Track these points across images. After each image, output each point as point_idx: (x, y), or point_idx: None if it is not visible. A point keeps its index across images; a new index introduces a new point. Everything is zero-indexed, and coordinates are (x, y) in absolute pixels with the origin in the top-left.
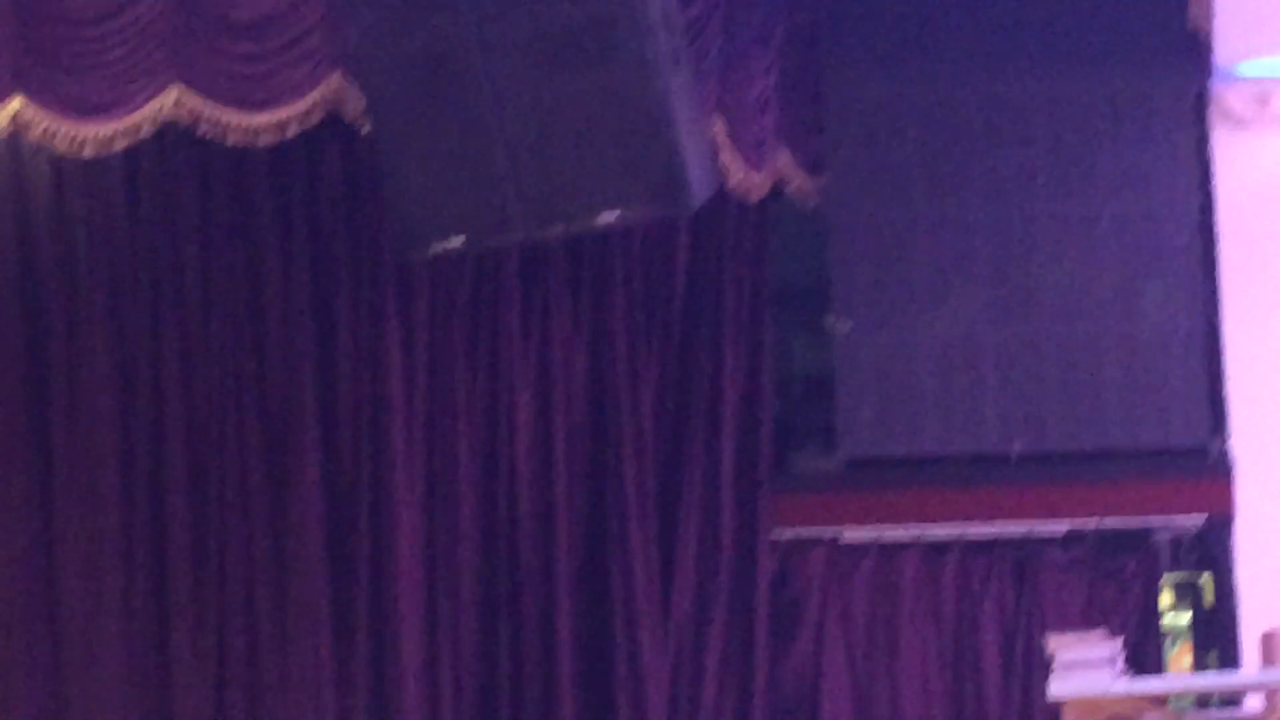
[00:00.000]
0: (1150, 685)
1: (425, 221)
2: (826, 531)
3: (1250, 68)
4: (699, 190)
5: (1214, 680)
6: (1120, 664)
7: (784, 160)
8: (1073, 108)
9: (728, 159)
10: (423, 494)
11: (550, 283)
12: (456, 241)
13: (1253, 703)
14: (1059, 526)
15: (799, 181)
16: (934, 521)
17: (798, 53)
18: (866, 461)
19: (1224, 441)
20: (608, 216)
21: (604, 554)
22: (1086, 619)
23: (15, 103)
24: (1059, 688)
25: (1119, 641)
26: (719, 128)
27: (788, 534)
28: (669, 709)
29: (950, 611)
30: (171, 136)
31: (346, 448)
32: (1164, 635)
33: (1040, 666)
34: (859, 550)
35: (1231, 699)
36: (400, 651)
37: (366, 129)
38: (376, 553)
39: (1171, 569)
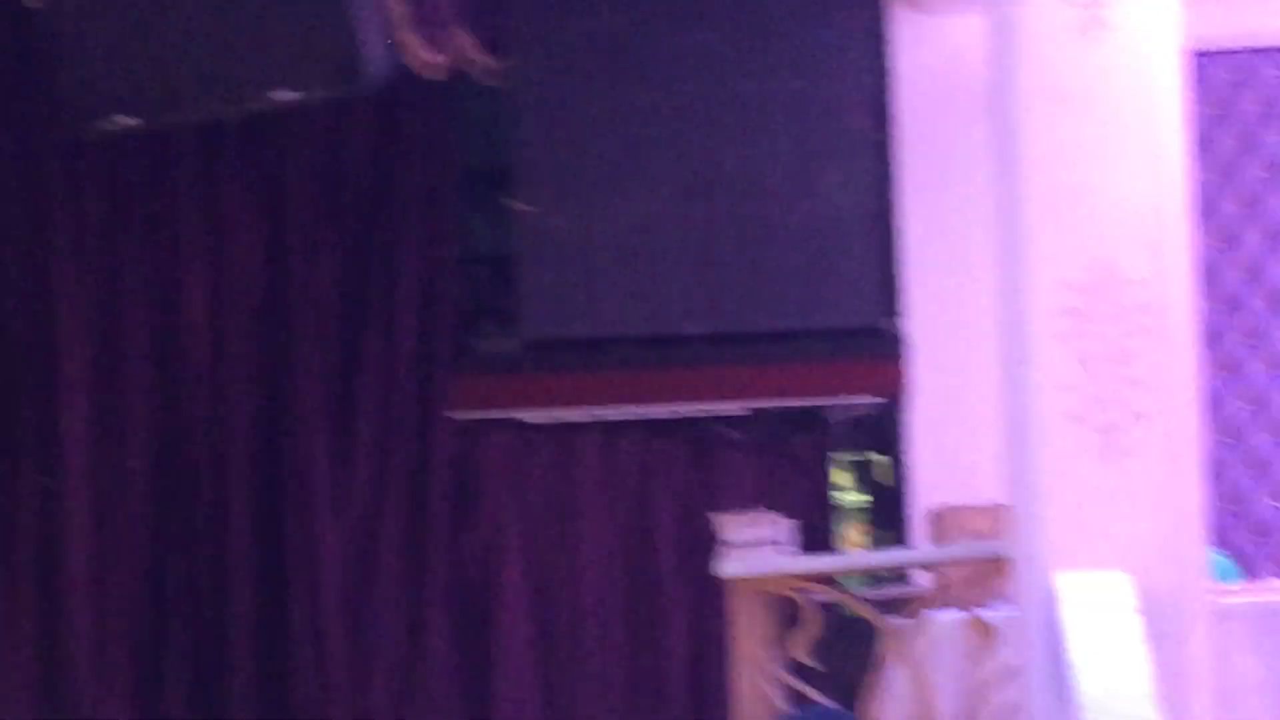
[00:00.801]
0: (818, 563)
1: (97, 98)
2: (506, 413)
3: None
4: (377, 70)
5: (881, 557)
6: (790, 542)
7: (465, 40)
8: None
9: (407, 38)
10: (91, 376)
11: (226, 162)
12: (130, 119)
13: (922, 580)
14: (736, 407)
15: (481, 61)
16: (613, 403)
17: None
18: (546, 343)
19: (898, 323)
20: (285, 95)
21: (279, 435)
22: (762, 498)
23: None
24: (727, 566)
25: (789, 521)
26: (398, 6)
27: (467, 415)
28: (344, 590)
29: (628, 492)
30: None
31: (11, 330)
32: (839, 515)
33: (715, 545)
34: (538, 431)
35: (901, 576)
36: (67, 539)
37: (37, 2)
38: (41, 441)
39: (847, 449)
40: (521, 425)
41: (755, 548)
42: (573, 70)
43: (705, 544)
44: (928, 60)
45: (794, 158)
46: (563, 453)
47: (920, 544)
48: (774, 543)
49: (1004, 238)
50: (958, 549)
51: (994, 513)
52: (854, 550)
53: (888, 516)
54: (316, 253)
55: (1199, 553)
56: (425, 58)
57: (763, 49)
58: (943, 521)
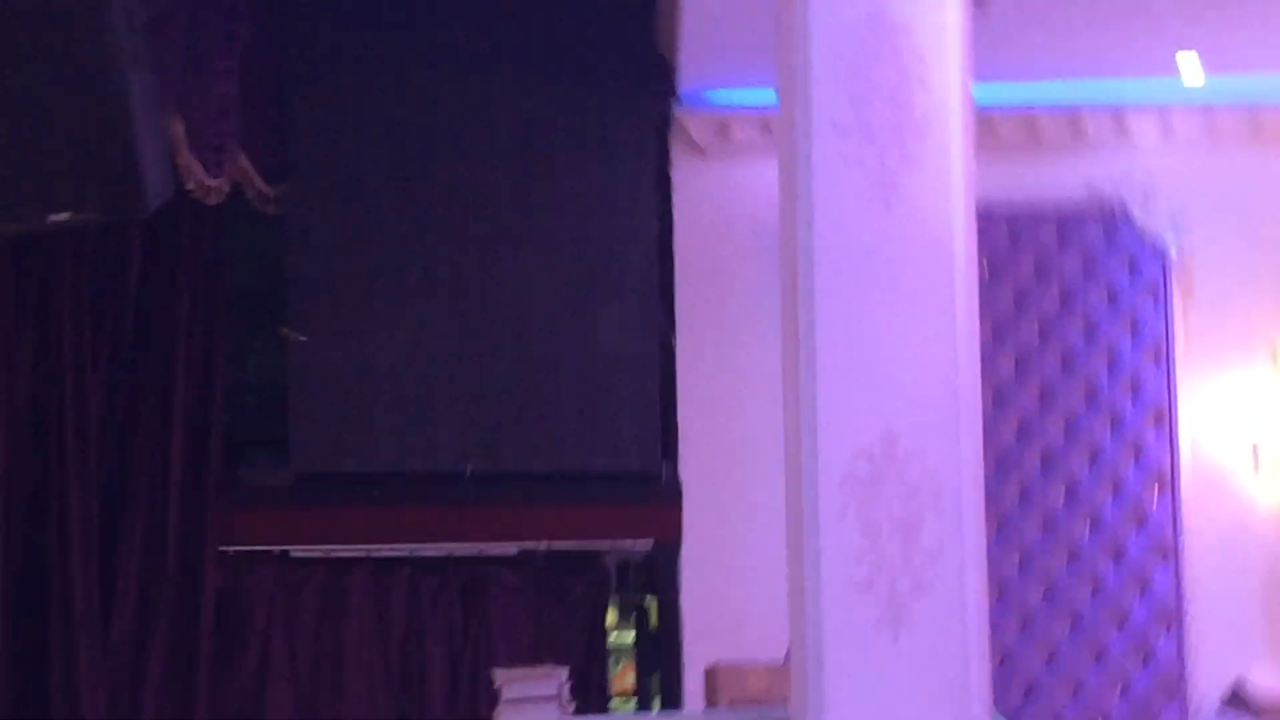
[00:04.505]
0: None
1: None
2: (276, 546)
3: (713, 96)
4: (155, 193)
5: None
6: (566, 696)
7: (244, 164)
8: (538, 125)
9: (186, 161)
10: None
11: None
12: None
13: None
14: (510, 547)
15: (259, 187)
16: (385, 540)
17: (262, 55)
18: (318, 477)
19: (673, 467)
20: (59, 216)
21: (43, 564)
22: (534, 639)
23: None
24: None
25: (565, 673)
26: (178, 129)
27: (236, 548)
28: None
29: (398, 629)
30: None
31: None
32: (609, 654)
33: (486, 684)
34: (308, 565)
35: None
36: None
37: None
38: None
39: (619, 591)
40: (291, 559)
41: (534, 703)
42: (350, 200)
43: (475, 681)
44: (707, 204)
45: (574, 296)
46: (332, 587)
47: (697, 697)
48: (552, 697)
49: (794, 402)
50: (735, 714)
51: (771, 672)
52: (626, 706)
53: (657, 659)
54: (85, 377)
55: None
56: (204, 181)
57: (545, 184)
58: (719, 679)
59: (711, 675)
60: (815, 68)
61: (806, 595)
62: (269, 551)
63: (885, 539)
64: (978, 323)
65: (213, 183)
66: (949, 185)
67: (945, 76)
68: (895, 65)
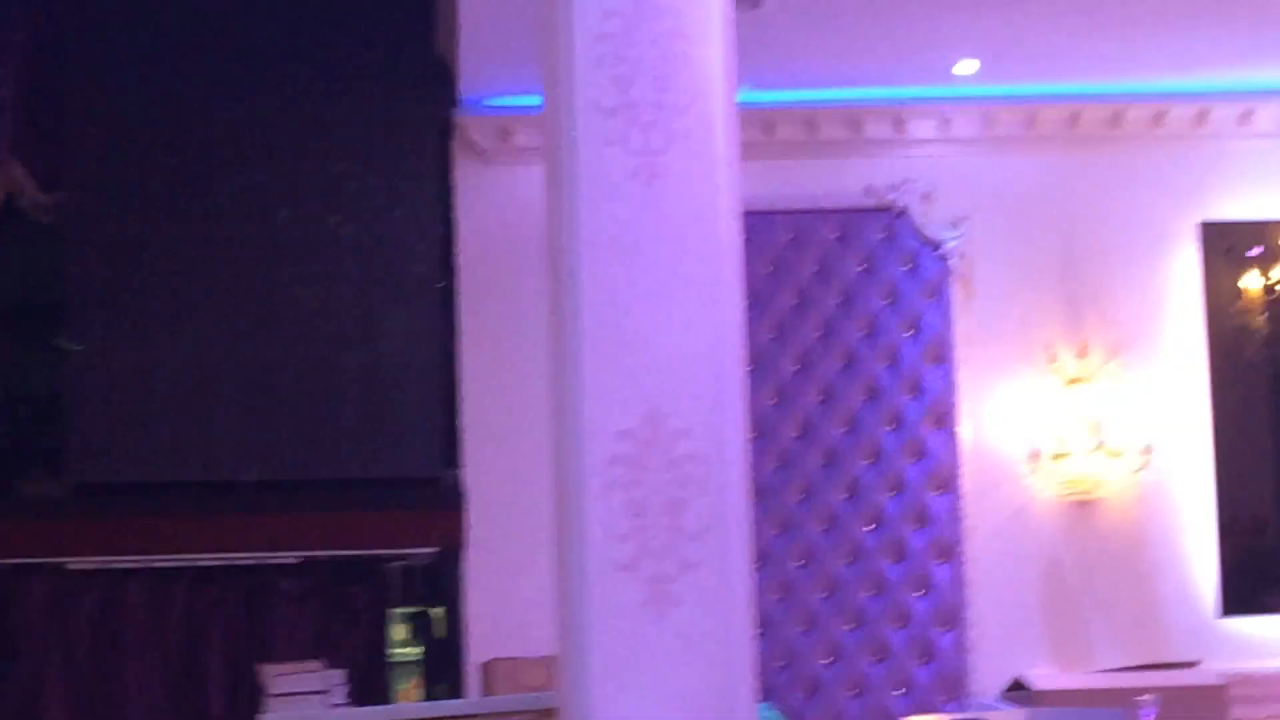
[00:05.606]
0: (365, 715)
1: None
2: (50, 559)
3: (494, 101)
4: None
5: (429, 709)
6: (340, 694)
7: (17, 172)
8: (320, 130)
9: None
10: None
11: None
12: None
13: None
14: (292, 556)
15: (33, 195)
16: (164, 550)
17: (38, 63)
18: (95, 487)
19: (456, 473)
20: None
21: None
22: (317, 648)
23: None
24: (272, 717)
25: (339, 672)
26: None
27: (9, 562)
28: None
29: (177, 640)
30: None
31: None
32: (397, 668)
33: (265, 691)
34: (84, 577)
35: None
36: None
37: None
38: None
39: (404, 600)
40: (67, 571)
41: (301, 698)
42: (130, 206)
43: (256, 692)
44: (490, 208)
45: (357, 302)
46: (109, 598)
47: (472, 696)
48: (320, 694)
49: (558, 384)
50: (505, 701)
51: (547, 664)
52: (404, 702)
53: (443, 670)
54: None
55: (747, 706)
56: None
57: (327, 190)
58: (494, 673)
59: (486, 670)
60: (579, 48)
61: (571, 577)
62: (44, 564)
63: (650, 519)
64: (742, 302)
65: None
66: (712, 162)
67: (709, 54)
68: (659, 45)
